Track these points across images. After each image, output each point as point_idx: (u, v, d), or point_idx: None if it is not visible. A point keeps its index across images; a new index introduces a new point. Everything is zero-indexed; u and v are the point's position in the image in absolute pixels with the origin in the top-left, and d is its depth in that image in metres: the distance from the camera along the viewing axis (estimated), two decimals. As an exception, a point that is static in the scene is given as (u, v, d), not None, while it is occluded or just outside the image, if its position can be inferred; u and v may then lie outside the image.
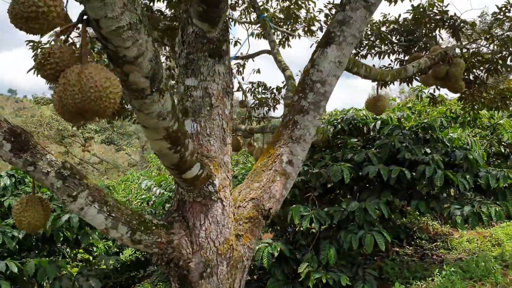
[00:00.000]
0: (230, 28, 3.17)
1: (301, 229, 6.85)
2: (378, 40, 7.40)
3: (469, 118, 9.03)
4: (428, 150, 7.22)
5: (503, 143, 10.63)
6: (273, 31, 6.74)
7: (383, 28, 7.34)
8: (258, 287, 8.23)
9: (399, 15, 7.12)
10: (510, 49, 6.77)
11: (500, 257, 6.48)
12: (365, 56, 7.69)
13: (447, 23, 6.77)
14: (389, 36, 7.39)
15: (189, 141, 2.67)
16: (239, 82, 7.73)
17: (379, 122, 8.22)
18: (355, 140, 7.96)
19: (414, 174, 6.72)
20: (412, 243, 9.89)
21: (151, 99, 2.20)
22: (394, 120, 8.44)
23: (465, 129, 10.96)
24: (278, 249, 6.68)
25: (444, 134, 8.29)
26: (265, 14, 6.43)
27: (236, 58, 7.07)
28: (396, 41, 7.44)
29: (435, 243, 9.85)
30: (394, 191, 7.10)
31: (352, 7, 3.38)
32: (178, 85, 3.25)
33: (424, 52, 6.78)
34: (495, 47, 6.85)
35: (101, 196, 2.74)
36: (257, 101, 7.92)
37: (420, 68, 4.70)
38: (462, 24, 6.66)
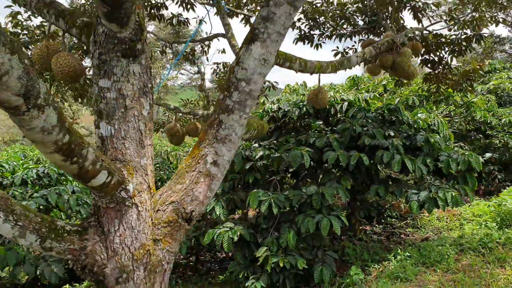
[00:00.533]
0: (144, 28, 3.03)
1: (264, 213, 6.85)
2: (343, 21, 7.25)
3: (441, 97, 8.94)
4: (392, 133, 7.17)
5: (476, 121, 10.61)
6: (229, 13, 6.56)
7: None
8: (223, 269, 8.32)
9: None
10: (471, 31, 6.67)
11: (458, 240, 6.52)
12: (330, 37, 7.55)
13: (409, 4, 6.63)
14: (355, 16, 7.25)
15: (89, 150, 2.59)
16: (198, 66, 7.59)
17: (346, 103, 8.13)
18: (320, 123, 7.89)
19: (372, 160, 6.69)
20: (383, 221, 9.96)
21: (29, 115, 2.13)
22: (362, 102, 8.35)
23: (438, 108, 10.92)
24: (238, 233, 6.68)
25: (413, 114, 8.23)
26: (221, -2, 6.23)
27: (192, 41, 6.90)
28: (361, 21, 7.30)
29: (406, 221, 9.93)
30: (355, 175, 7.08)
31: (276, 3, 3.25)
32: (92, 86, 3.14)
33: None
34: (458, 29, 6.74)
35: (7, 204, 2.68)
36: (215, 85, 7.78)
37: (365, 58, 4.59)
38: (422, 6, 6.52)
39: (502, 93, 13.50)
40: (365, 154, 6.69)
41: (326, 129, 7.89)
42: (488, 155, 12.18)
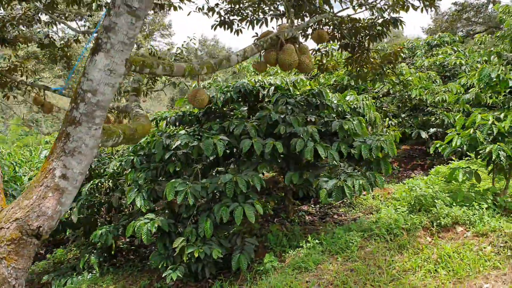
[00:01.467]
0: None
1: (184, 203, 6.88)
2: (262, 4, 7.15)
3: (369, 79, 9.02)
4: (313, 119, 7.24)
5: (412, 99, 10.75)
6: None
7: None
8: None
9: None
10: (388, 15, 6.67)
11: (370, 225, 6.70)
12: (251, 22, 7.45)
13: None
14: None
15: None
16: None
17: (272, 88, 8.13)
18: (245, 109, 7.89)
19: (289, 147, 6.76)
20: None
21: None
22: (290, 85, 8.36)
23: (375, 87, 11.01)
24: (156, 225, 6.73)
25: (343, 96, 8.29)
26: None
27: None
28: (281, 5, 7.21)
29: (341, 201, 10.13)
30: (274, 163, 7.16)
31: (117, 12, 3.18)
32: None
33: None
34: (372, 13, 6.73)
35: None
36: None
37: (246, 56, 4.57)
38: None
39: (447, 68, 13.67)
40: (280, 142, 6.74)
41: (251, 115, 7.90)
42: (432, 130, 12.46)
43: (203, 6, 7.34)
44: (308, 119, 7.35)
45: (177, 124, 8.46)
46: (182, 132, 8.03)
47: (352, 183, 6.17)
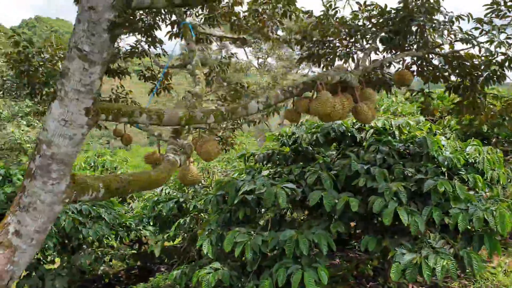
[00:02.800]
0: None
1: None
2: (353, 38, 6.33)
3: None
4: (410, 173, 6.11)
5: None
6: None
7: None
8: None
9: (385, 6, 5.96)
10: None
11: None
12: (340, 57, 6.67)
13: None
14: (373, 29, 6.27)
15: None
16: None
17: (371, 131, 7.14)
18: (333, 153, 7.05)
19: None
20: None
21: None
22: (395, 129, 7.26)
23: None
24: (217, 278, 6.28)
25: (464, 146, 6.93)
26: (188, 21, 5.86)
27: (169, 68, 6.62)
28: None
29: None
30: (347, 221, 6.17)
31: (69, 56, 2.86)
32: None
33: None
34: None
35: None
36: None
37: (269, 104, 3.84)
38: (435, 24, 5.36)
39: None
40: (357, 199, 5.77)
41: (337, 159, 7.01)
42: None
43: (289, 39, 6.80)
44: (405, 174, 6.22)
45: (265, 162, 7.96)
46: (265, 172, 7.53)
47: (435, 263, 4.91)
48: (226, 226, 7.07)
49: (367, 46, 5.78)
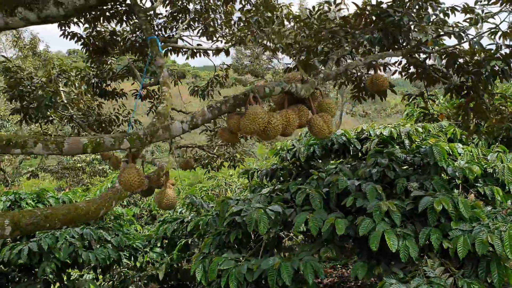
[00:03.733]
0: None
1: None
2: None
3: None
4: (415, 186, 5.43)
5: None
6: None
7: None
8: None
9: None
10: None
11: None
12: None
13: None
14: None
15: None
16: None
17: (375, 141, 6.47)
18: (332, 167, 6.42)
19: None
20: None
21: None
22: (404, 137, 6.54)
23: None
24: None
25: (467, 155, 6.10)
26: (155, 36, 5.53)
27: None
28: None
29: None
30: (340, 245, 5.54)
31: None
32: None
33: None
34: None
35: None
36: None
37: (196, 124, 3.38)
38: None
39: None
40: (347, 219, 5.18)
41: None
42: None
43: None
44: (409, 187, 5.54)
45: (269, 179, 7.46)
46: (265, 190, 7.04)
47: (426, 296, 4.22)
48: (221, 250, 6.65)
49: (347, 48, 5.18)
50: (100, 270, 8.91)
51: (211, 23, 7.28)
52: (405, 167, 6.15)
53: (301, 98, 3.91)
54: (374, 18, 4.73)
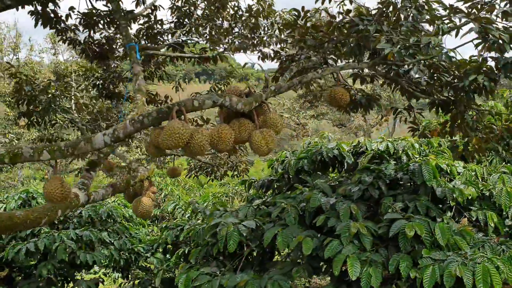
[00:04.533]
0: None
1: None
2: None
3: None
4: (399, 206, 5.09)
5: None
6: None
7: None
8: None
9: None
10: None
11: None
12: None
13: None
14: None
15: None
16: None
17: (369, 156, 6.13)
18: (322, 181, 6.15)
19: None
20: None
21: None
22: (401, 153, 6.16)
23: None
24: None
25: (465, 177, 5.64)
26: (134, 42, 5.51)
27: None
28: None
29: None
30: (315, 266, 5.27)
31: None
32: None
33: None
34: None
35: None
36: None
37: (118, 137, 3.27)
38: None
39: None
40: (316, 240, 4.92)
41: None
42: None
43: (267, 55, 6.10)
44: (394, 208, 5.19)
45: (265, 190, 7.27)
46: (257, 201, 6.88)
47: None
48: (208, 261, 6.54)
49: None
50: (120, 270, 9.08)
51: (212, 30, 7.21)
52: (396, 186, 5.78)
53: (246, 112, 3.74)
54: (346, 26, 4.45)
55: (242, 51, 6.39)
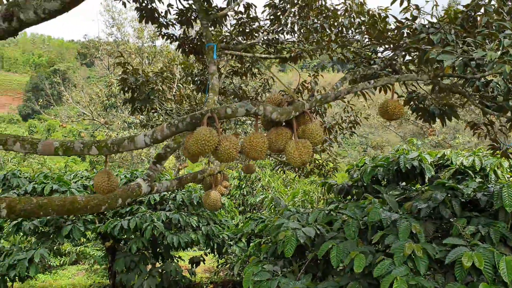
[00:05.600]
0: None
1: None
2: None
3: None
4: (471, 230, 4.70)
5: None
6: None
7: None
8: None
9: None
10: None
11: None
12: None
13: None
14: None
15: None
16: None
17: (451, 171, 5.67)
18: (396, 193, 5.84)
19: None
20: None
21: None
22: (490, 170, 5.60)
23: None
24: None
25: None
26: (213, 43, 5.67)
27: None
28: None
29: None
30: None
31: None
32: None
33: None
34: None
35: None
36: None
37: (156, 138, 3.42)
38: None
39: None
40: (373, 254, 4.72)
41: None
42: None
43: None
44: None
45: (344, 195, 7.10)
46: (331, 206, 6.75)
47: None
48: (276, 258, 6.63)
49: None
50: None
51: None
52: (474, 207, 5.27)
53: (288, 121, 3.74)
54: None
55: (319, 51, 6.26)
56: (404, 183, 6.45)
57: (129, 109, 8.26)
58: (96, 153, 3.63)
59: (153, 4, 7.16)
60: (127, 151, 4.36)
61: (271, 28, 7.72)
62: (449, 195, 5.10)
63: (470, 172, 5.63)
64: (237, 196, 13.22)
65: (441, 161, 6.11)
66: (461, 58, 3.58)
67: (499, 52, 3.16)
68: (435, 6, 5.16)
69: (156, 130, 3.59)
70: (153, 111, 8.31)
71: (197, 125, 3.54)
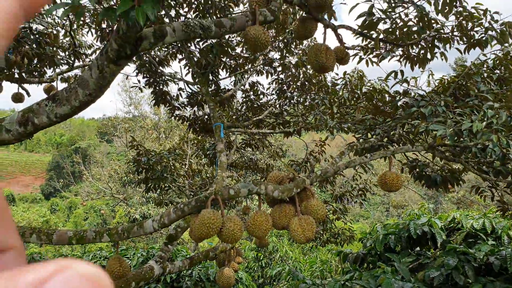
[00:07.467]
0: None
1: None
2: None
3: None
4: None
5: None
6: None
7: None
8: None
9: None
10: None
11: None
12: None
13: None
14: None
15: None
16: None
17: (462, 234, 5.65)
18: (409, 260, 5.81)
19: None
20: None
21: None
22: (504, 232, 5.58)
23: None
24: None
25: None
26: (220, 122, 5.96)
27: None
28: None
29: None
30: None
31: None
32: None
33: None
34: None
35: None
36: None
37: (164, 223, 3.58)
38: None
39: None
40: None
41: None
42: None
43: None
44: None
45: (359, 264, 7.05)
46: (347, 276, 6.70)
47: None
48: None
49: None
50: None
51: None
52: (489, 272, 5.20)
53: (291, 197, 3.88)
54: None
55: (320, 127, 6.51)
56: (418, 248, 6.42)
57: (144, 187, 8.50)
58: (107, 241, 3.79)
59: (166, 88, 7.62)
60: (137, 236, 4.48)
61: (277, 103, 8.07)
62: (461, 260, 5.07)
63: (481, 234, 5.61)
64: (255, 269, 13.07)
65: (451, 225, 6.10)
66: (451, 128, 3.74)
67: (484, 123, 3.32)
68: (431, 75, 5.44)
69: (163, 215, 3.75)
70: (166, 188, 8.53)
71: (202, 208, 3.69)
